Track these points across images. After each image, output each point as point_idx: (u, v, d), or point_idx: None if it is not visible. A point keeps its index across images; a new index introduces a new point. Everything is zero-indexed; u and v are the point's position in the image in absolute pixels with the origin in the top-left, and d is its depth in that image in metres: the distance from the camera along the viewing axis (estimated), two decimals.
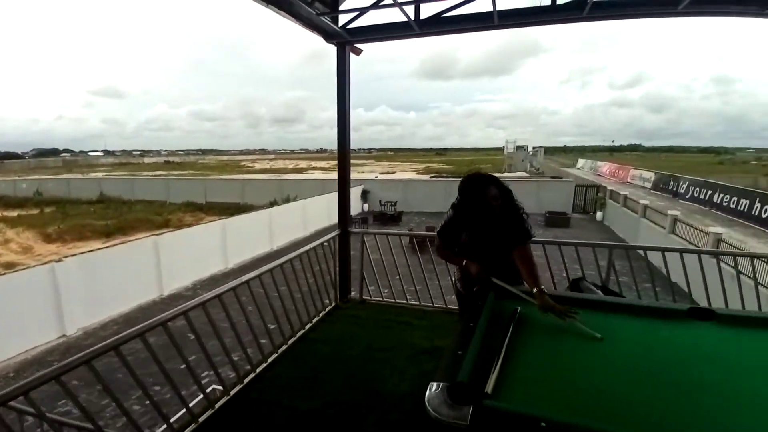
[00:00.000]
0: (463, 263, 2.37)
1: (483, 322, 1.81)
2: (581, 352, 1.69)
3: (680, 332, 1.86)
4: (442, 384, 1.36)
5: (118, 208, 22.55)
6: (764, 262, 4.03)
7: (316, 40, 3.79)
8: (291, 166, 58.99)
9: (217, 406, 2.70)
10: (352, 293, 4.40)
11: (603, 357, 1.65)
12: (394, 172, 41.40)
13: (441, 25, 3.42)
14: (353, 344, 3.43)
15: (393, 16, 3.40)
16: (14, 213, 21.95)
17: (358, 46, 3.98)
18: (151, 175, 37.21)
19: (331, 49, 3.91)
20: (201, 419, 2.58)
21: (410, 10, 3.28)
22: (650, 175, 31.30)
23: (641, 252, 4.54)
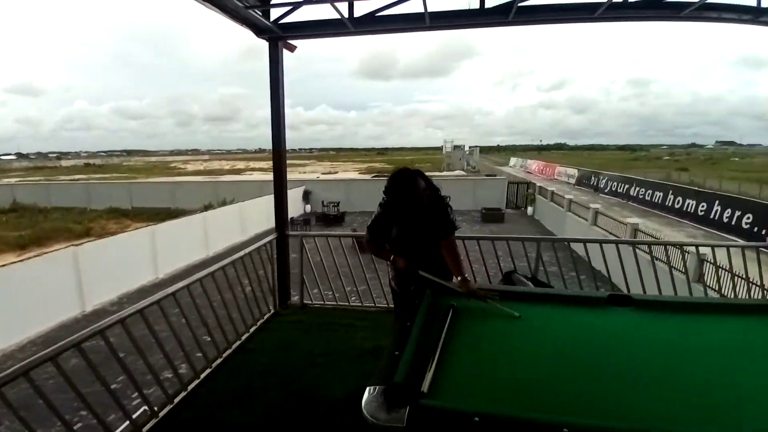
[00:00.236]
0: (391, 258, 2.39)
1: (420, 320, 1.82)
2: (512, 343, 1.76)
3: (601, 318, 1.99)
4: (378, 387, 1.34)
5: (33, 217, 20.28)
6: (677, 249, 4.46)
7: (251, 35, 3.63)
8: (227, 167, 56.56)
9: (144, 430, 2.49)
10: (293, 298, 4.27)
11: (531, 346, 1.73)
12: (336, 172, 41.14)
13: (375, 24, 3.41)
14: (293, 351, 3.33)
15: (328, 12, 3.34)
16: None
17: (292, 42, 3.87)
18: (70, 180, 33.81)
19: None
20: None
21: (344, 7, 3.24)
22: (574, 171, 33.85)
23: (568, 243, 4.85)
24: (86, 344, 2.18)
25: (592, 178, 29.38)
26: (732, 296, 4.07)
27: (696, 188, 20.10)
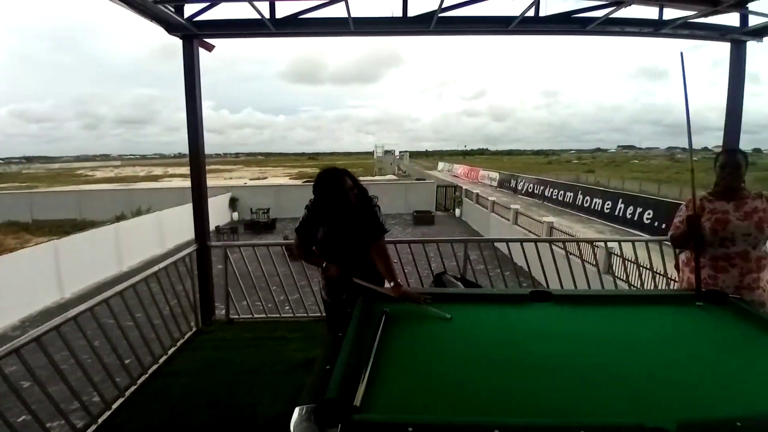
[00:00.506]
0: (323, 265, 2.29)
1: (352, 330, 1.77)
2: (444, 346, 1.78)
3: (525, 315, 2.08)
4: (308, 406, 1.27)
5: None
6: (588, 244, 4.88)
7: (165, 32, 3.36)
8: (142, 174, 52.28)
9: None
10: (218, 314, 4.01)
11: (463, 348, 1.76)
12: (265, 178, 39.78)
13: (297, 26, 3.33)
14: (219, 370, 3.10)
15: (248, 12, 3.20)
16: None
17: (209, 41, 3.65)
18: None
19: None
20: None
21: (265, 7, 3.12)
22: (496, 175, 35.98)
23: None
24: None
25: (512, 180, 31.44)
26: (639, 285, 4.53)
27: (602, 188, 22.32)
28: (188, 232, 3.87)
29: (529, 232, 12.10)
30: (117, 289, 2.83)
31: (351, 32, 3.29)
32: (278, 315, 4.01)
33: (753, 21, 3.11)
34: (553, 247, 4.13)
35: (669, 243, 2.66)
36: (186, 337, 3.61)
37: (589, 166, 53.95)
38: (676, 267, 2.70)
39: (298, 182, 30.19)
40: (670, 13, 3.07)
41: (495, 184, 34.33)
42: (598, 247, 5.81)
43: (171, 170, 56.98)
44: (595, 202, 19.49)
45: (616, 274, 5.50)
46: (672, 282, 4.11)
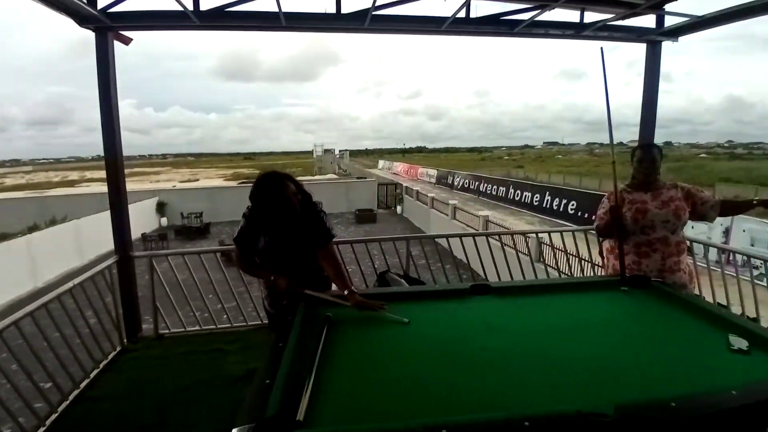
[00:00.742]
0: (272, 278, 2.15)
1: (293, 339, 1.69)
2: (388, 347, 1.75)
3: (467, 310, 2.11)
4: (247, 426, 1.18)
5: None
6: (521, 236, 5.14)
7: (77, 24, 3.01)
8: (57, 179, 47.36)
9: None
10: (146, 329, 3.70)
11: (407, 347, 1.74)
12: (197, 180, 37.69)
13: (224, 19, 3.14)
14: (149, 391, 2.85)
15: (170, 3, 2.95)
16: None
17: (126, 34, 3.34)
18: None
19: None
20: None
21: None
22: (434, 172, 36.98)
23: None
24: None
25: (449, 177, 32.49)
26: (568, 271, 4.83)
27: (531, 182, 23.73)
28: (111, 241, 3.52)
29: (467, 225, 12.55)
30: (27, 310, 2.50)
31: (282, 27, 3.16)
32: (214, 326, 3.77)
33: (669, 22, 3.40)
34: (490, 240, 4.29)
35: (594, 232, 2.85)
36: (110, 357, 3.28)
37: (518, 162, 57.29)
38: (601, 254, 2.90)
39: (233, 183, 28.92)
40: (591, 17, 3.28)
41: (433, 180, 35.27)
42: (529, 237, 6.14)
43: (89, 174, 52.06)
44: (525, 196, 20.71)
45: (547, 263, 5.86)
46: (597, 267, 4.44)
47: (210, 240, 16.16)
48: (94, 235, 13.37)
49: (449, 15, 3.17)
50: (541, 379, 1.46)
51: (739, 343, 1.62)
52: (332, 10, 3.16)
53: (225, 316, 3.84)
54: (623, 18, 3.24)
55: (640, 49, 3.66)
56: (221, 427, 2.35)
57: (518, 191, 21.70)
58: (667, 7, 3.13)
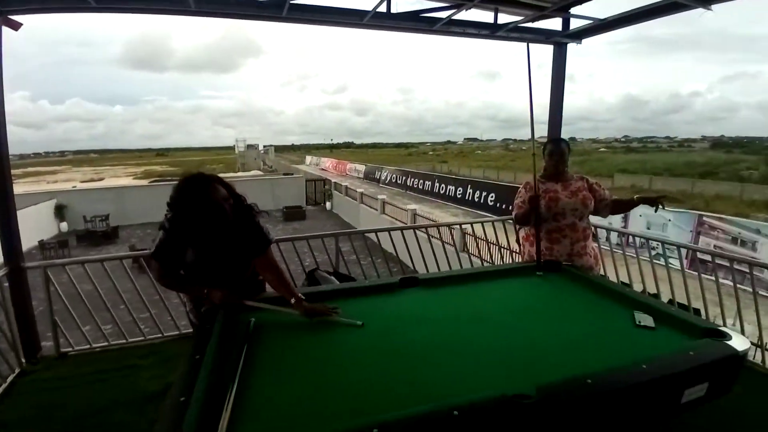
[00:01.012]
0: (205, 293, 1.93)
1: (212, 349, 1.56)
2: (316, 350, 1.69)
3: (397, 304, 2.12)
4: None
5: None
6: (447, 228, 5.33)
7: None
8: None
9: None
10: (46, 347, 3.25)
11: (336, 349, 1.70)
12: (102, 179, 34.13)
13: (124, 1, 2.83)
14: (54, 418, 2.49)
15: None
16: None
17: (15, 18, 2.86)
18: None
19: None
20: None
21: None
22: (362, 167, 37.13)
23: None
24: None
25: (377, 172, 32.83)
26: (490, 259, 5.09)
27: (454, 176, 24.78)
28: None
29: (396, 219, 12.77)
30: None
31: (192, 11, 2.91)
32: (124, 341, 3.41)
33: (573, 24, 3.66)
34: (418, 233, 4.38)
35: (512, 221, 3.02)
36: (8, 381, 2.83)
37: (442, 157, 59.67)
38: (517, 241, 3.09)
39: (145, 182, 26.61)
40: (504, 18, 3.45)
41: (362, 176, 35.40)
42: (454, 229, 6.39)
43: None
44: (449, 189, 21.60)
45: (471, 252, 6.15)
46: (515, 254, 4.73)
47: (119, 245, 14.71)
48: None
49: (370, 9, 3.15)
50: (469, 367, 1.50)
51: (645, 319, 1.79)
52: None
53: (136, 330, 3.49)
54: (533, 20, 3.45)
55: (548, 50, 3.94)
56: None
57: (443, 185, 22.55)
58: (573, 10, 3.38)
